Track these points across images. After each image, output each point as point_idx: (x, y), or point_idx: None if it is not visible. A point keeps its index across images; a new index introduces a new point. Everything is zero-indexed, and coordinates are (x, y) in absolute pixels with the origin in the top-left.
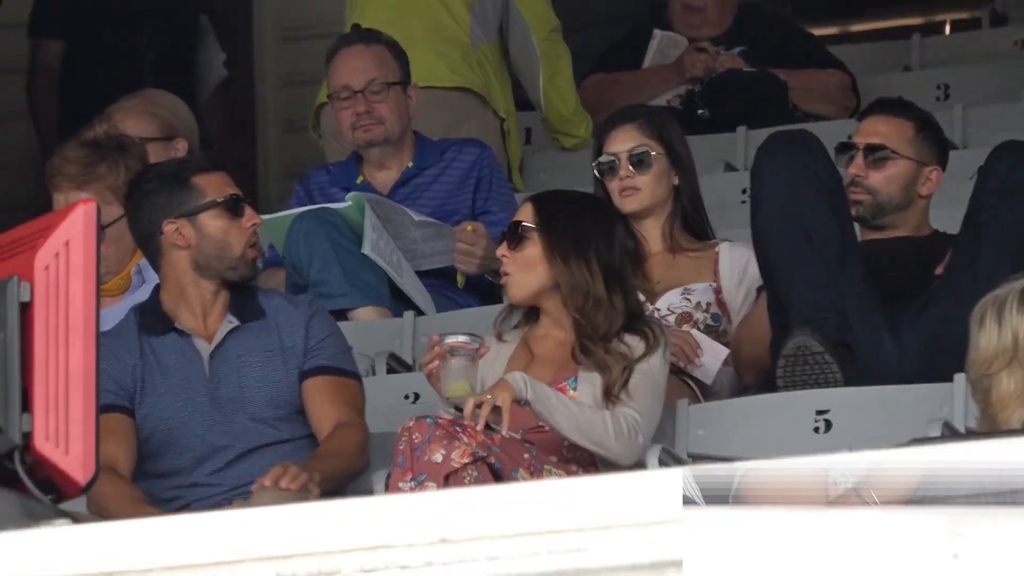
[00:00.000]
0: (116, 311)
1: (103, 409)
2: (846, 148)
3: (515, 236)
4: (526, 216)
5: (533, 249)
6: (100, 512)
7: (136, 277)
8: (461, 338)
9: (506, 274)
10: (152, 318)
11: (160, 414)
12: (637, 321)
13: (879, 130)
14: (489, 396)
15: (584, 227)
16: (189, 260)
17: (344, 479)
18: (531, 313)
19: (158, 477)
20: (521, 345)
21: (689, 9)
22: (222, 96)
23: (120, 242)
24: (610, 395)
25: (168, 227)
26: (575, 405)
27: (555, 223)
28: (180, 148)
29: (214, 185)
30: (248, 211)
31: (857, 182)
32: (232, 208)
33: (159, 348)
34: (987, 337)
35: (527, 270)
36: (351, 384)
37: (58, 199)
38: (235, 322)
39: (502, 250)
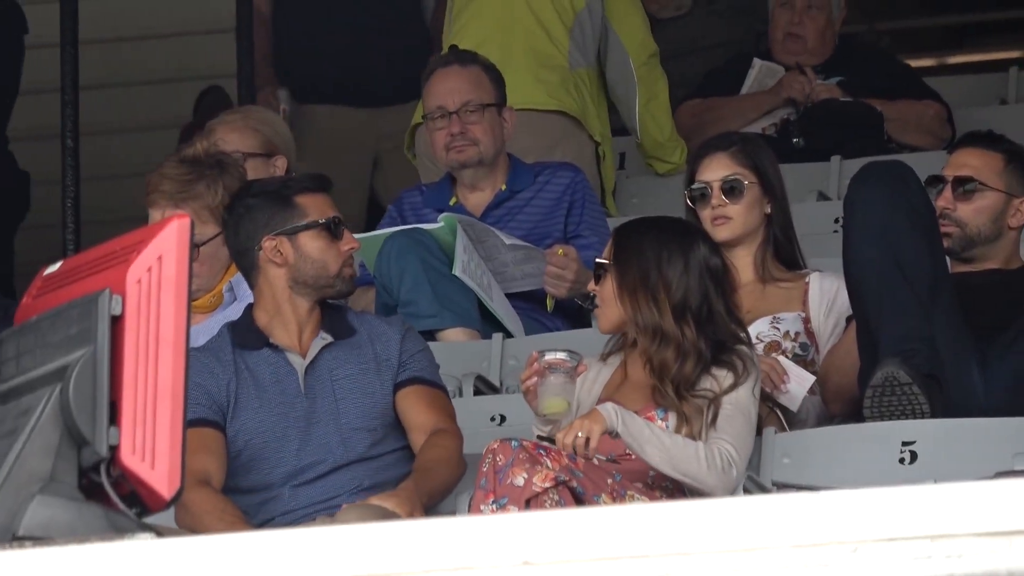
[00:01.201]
0: (206, 328)
1: (196, 423)
2: (936, 181)
3: (597, 271)
4: (607, 251)
5: (609, 284)
6: (193, 526)
7: (227, 294)
8: (560, 355)
9: (597, 307)
10: (246, 334)
11: (255, 428)
12: (725, 353)
13: (968, 163)
14: (580, 432)
15: (652, 259)
16: (286, 278)
17: (447, 487)
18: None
19: (244, 492)
20: (620, 368)
21: (790, 37)
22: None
23: (214, 260)
24: (692, 436)
25: (267, 243)
26: (668, 437)
27: (625, 258)
28: (279, 165)
29: (316, 206)
30: (347, 235)
31: (945, 215)
32: (332, 230)
33: (253, 363)
34: None
35: (608, 304)
36: (444, 396)
37: (154, 215)
38: (328, 338)
39: (591, 284)
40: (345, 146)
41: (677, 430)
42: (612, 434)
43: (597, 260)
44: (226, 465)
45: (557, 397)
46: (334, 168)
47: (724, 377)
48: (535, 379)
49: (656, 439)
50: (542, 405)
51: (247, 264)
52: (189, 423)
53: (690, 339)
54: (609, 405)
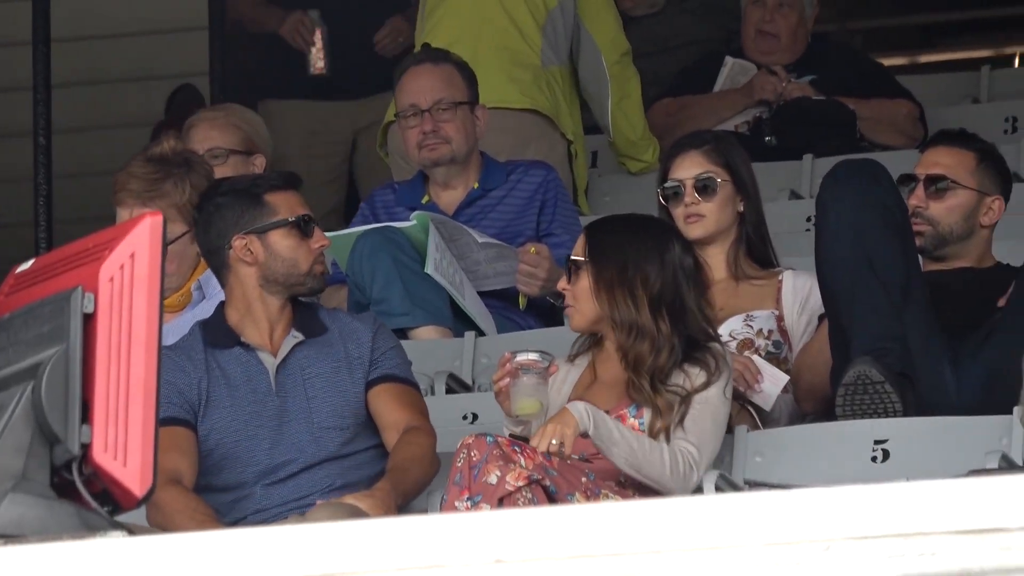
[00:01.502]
0: (175, 326)
1: (168, 422)
2: (908, 179)
3: (570, 269)
4: (579, 248)
5: (584, 281)
6: (165, 525)
7: (196, 293)
8: (532, 356)
9: (569, 305)
10: (217, 332)
11: (226, 427)
12: (698, 351)
13: (940, 161)
14: (554, 438)
15: (630, 255)
16: (257, 276)
17: (421, 486)
18: (596, 338)
19: (216, 491)
20: (588, 368)
21: (762, 34)
22: None
23: (182, 259)
24: (662, 433)
25: (237, 242)
26: (635, 440)
27: (600, 254)
28: (258, 164)
29: (286, 204)
30: (317, 232)
31: (918, 213)
32: (302, 228)
33: (225, 362)
34: None
35: (583, 302)
36: (416, 393)
37: (122, 214)
38: (300, 337)
39: (562, 283)
40: (321, 140)
41: (652, 424)
42: (583, 435)
43: (572, 257)
44: (197, 464)
45: (530, 398)
46: (311, 163)
47: (697, 375)
48: (507, 380)
49: (624, 442)
50: (515, 406)
51: (218, 263)
52: (161, 422)
53: (665, 333)
54: (580, 405)
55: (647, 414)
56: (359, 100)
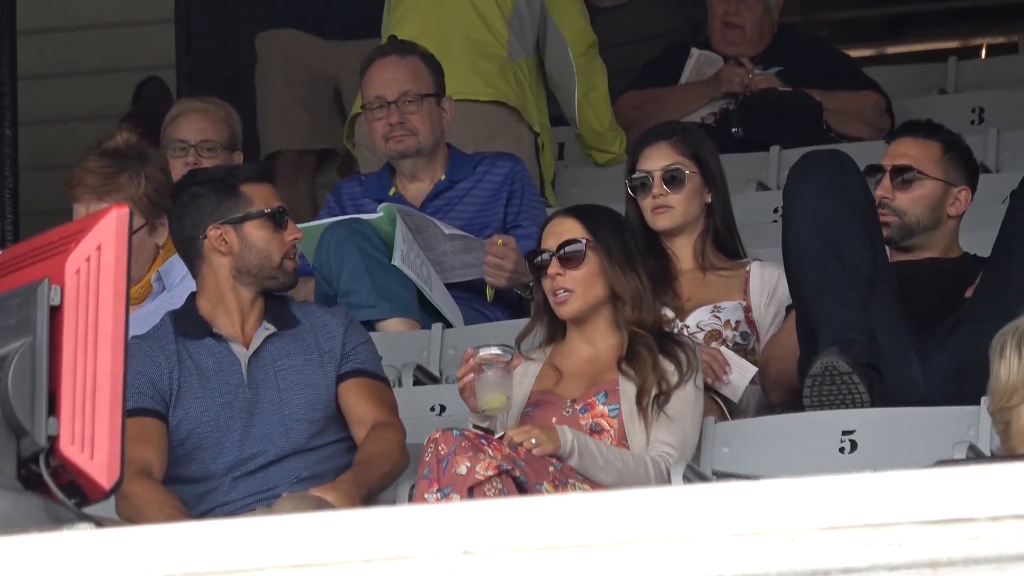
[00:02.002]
0: (137, 318)
1: (137, 412)
2: (875, 170)
3: (570, 253)
4: (575, 232)
5: (591, 264)
6: (134, 517)
7: (156, 284)
8: (494, 350)
9: (567, 291)
10: (189, 322)
11: (198, 418)
12: (670, 344)
13: (906, 152)
14: (533, 439)
15: (627, 237)
16: (230, 267)
17: (388, 480)
18: (553, 331)
19: (185, 482)
20: (547, 364)
21: (728, 26)
22: None
23: (140, 251)
24: (643, 406)
25: (212, 232)
26: (620, 461)
27: (607, 237)
28: (237, 160)
29: (261, 195)
30: (290, 225)
31: (884, 204)
32: (276, 220)
33: (196, 353)
34: (1007, 368)
35: (589, 286)
36: (386, 388)
37: (79, 209)
38: (272, 329)
39: (555, 268)
40: (307, 74)
41: (638, 401)
42: (558, 458)
43: (588, 240)
44: (167, 455)
45: (495, 392)
46: (298, 92)
47: (671, 373)
48: (471, 376)
49: (609, 465)
50: (481, 401)
51: (191, 253)
52: (130, 412)
53: (657, 304)
54: (569, 433)
55: (624, 394)
56: (345, 41)
